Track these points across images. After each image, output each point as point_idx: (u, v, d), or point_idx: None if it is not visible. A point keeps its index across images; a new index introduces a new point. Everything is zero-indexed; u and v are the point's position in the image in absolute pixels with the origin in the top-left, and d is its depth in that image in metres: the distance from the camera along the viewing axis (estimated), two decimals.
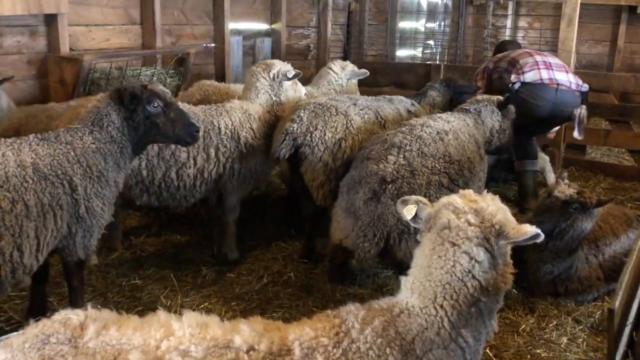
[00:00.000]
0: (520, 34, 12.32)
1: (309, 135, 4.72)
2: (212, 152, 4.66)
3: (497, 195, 2.45)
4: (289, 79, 5.11)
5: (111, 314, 2.14)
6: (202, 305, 4.28)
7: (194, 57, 6.95)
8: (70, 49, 6.05)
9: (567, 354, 3.87)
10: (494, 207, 2.30)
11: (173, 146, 4.47)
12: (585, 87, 5.89)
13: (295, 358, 2.06)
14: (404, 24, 12.05)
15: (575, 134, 5.94)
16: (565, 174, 4.61)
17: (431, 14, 12.69)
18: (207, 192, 4.89)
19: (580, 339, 4.01)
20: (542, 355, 3.84)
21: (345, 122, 4.83)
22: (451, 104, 6.09)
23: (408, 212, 2.44)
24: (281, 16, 8.94)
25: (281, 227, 5.71)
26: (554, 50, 7.83)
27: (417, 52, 12.16)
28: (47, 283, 3.96)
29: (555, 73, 5.74)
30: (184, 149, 4.50)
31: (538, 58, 5.87)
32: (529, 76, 5.73)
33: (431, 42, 12.33)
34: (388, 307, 2.26)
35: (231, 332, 2.08)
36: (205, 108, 4.82)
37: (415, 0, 12.43)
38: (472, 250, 2.22)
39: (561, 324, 4.19)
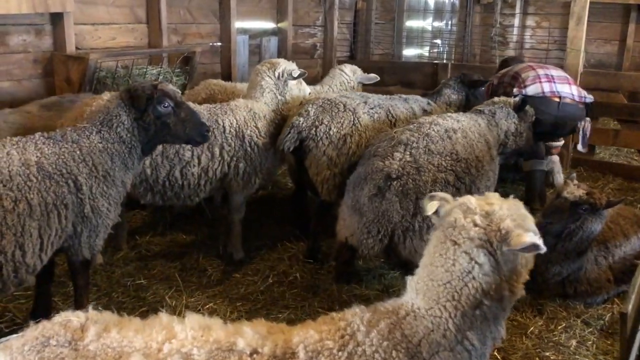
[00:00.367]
0: (528, 33, 12.23)
1: (314, 129, 4.76)
2: (217, 150, 4.64)
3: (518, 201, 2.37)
4: (294, 78, 5.09)
5: (112, 315, 2.11)
6: (207, 306, 4.25)
7: (200, 56, 6.95)
8: (76, 48, 6.05)
9: (577, 356, 3.81)
10: (508, 212, 2.22)
11: (177, 145, 4.45)
12: (589, 99, 5.81)
13: None
14: (411, 23, 12.00)
15: (580, 146, 5.95)
16: (574, 175, 4.55)
17: (438, 12, 12.62)
18: (212, 191, 4.87)
19: (590, 342, 3.96)
20: (551, 358, 3.79)
21: (352, 119, 4.85)
22: (467, 100, 6.06)
23: (431, 208, 2.40)
24: (287, 15, 8.91)
25: (287, 227, 5.68)
26: (562, 49, 7.76)
27: (424, 51, 12.10)
28: (52, 283, 3.95)
29: (558, 86, 5.68)
30: (188, 147, 4.48)
31: (540, 72, 5.81)
32: (531, 90, 5.67)
33: (438, 41, 12.26)
34: (394, 309, 2.22)
35: (234, 335, 2.05)
36: (210, 107, 4.80)
37: None
38: (472, 250, 2.17)
39: (570, 326, 4.14)
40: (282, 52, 8.91)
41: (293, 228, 5.60)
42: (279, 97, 5.06)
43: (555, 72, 5.89)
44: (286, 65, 5.10)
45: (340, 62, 7.85)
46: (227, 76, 7.74)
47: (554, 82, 5.69)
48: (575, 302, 4.40)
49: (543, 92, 5.61)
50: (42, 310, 3.76)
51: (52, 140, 3.44)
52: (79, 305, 3.68)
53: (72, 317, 2.02)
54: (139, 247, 5.19)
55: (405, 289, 2.33)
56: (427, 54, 12.03)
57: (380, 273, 4.85)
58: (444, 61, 11.05)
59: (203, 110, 4.66)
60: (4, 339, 2.04)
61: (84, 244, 3.55)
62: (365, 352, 2.08)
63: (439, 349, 2.16)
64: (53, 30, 5.90)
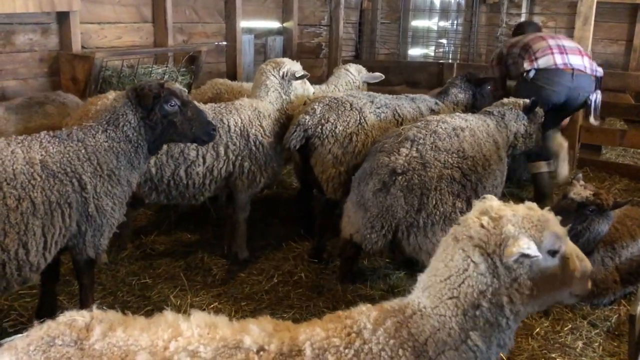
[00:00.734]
0: None
1: (320, 127, 4.77)
2: (222, 150, 4.63)
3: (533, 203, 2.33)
4: (297, 79, 5.09)
5: (117, 314, 2.10)
6: (212, 305, 4.25)
7: (205, 55, 6.95)
8: (82, 47, 6.06)
9: (583, 358, 3.79)
10: (521, 218, 2.19)
11: (182, 144, 4.45)
12: (599, 72, 5.76)
13: (306, 359, 2.02)
14: (417, 23, 11.97)
15: (592, 119, 5.85)
16: (580, 175, 4.52)
17: (444, 12, 12.60)
18: (217, 191, 4.87)
19: (596, 344, 3.94)
20: (557, 359, 3.77)
21: (358, 118, 4.85)
22: (474, 99, 6.03)
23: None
24: (293, 14, 8.91)
25: (292, 227, 5.67)
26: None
27: (430, 50, 12.07)
28: (58, 282, 3.95)
29: (570, 57, 5.61)
30: (193, 146, 4.48)
31: (551, 42, 5.72)
32: (543, 62, 5.62)
33: (444, 41, 12.24)
34: (400, 308, 2.21)
35: (241, 333, 2.05)
36: (215, 106, 4.79)
37: None
38: (468, 248, 2.16)
39: (576, 327, 4.12)
40: (287, 52, 8.91)
41: (298, 227, 5.59)
42: (284, 97, 5.07)
43: (567, 43, 5.78)
44: (290, 65, 5.10)
45: (345, 62, 7.83)
46: (232, 75, 7.74)
47: (566, 54, 5.63)
48: (581, 303, 4.37)
49: (555, 64, 5.56)
50: (47, 309, 3.76)
51: (57, 139, 3.44)
52: (84, 304, 3.67)
53: (77, 317, 2.02)
54: (144, 246, 5.19)
55: (411, 289, 2.32)
56: (432, 54, 12.00)
57: (385, 273, 4.84)
58: (450, 61, 11.02)
59: (208, 110, 4.66)
60: (8, 339, 2.04)
61: (89, 243, 3.55)
62: (371, 350, 2.07)
63: (445, 348, 2.15)
64: (59, 29, 5.92)
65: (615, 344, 3.93)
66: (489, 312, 2.16)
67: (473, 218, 2.21)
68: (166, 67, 6.57)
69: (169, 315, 2.11)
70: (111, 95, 4.51)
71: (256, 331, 2.06)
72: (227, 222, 5.21)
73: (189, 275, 4.71)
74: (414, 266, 4.71)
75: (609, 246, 4.44)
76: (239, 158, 4.73)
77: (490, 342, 2.21)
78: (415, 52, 11.81)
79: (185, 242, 5.40)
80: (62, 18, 5.85)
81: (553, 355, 3.80)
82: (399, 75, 8.49)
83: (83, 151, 3.45)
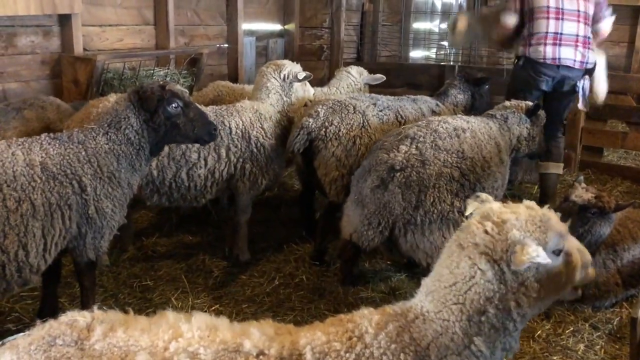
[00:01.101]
0: None
1: (324, 130, 4.78)
2: (223, 152, 4.64)
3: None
4: (299, 81, 5.09)
5: (118, 314, 2.10)
6: (213, 308, 4.25)
7: (207, 57, 6.96)
8: (84, 49, 6.07)
9: None
10: (524, 222, 2.17)
11: (183, 146, 4.46)
12: (590, 64, 5.77)
13: None
14: (418, 25, 11.98)
15: (580, 105, 5.89)
16: (582, 177, 4.52)
17: (445, 14, 12.59)
18: (219, 193, 4.87)
19: (598, 346, 3.92)
20: None
21: (361, 121, 4.87)
22: (473, 99, 6.04)
23: (470, 208, 2.36)
24: (294, 17, 8.92)
25: (293, 229, 5.67)
26: None
27: (431, 52, 12.05)
28: (59, 284, 3.95)
29: (562, 50, 5.64)
30: (195, 149, 4.49)
31: (551, 29, 5.62)
32: (533, 51, 5.69)
33: (445, 43, 12.23)
34: (402, 312, 2.20)
35: (241, 336, 2.04)
36: (216, 108, 4.80)
37: (429, 0, 12.34)
38: (474, 256, 2.14)
39: (578, 330, 4.11)
40: (289, 54, 8.91)
41: (299, 229, 5.59)
42: (285, 99, 5.07)
43: (567, 30, 5.67)
44: (291, 67, 5.10)
45: (347, 64, 7.84)
46: (234, 78, 7.74)
47: (559, 45, 5.64)
48: (583, 306, 4.37)
49: (544, 59, 5.64)
50: (48, 311, 3.76)
51: (57, 141, 3.44)
52: (86, 306, 3.66)
53: (78, 317, 2.02)
54: (145, 248, 5.19)
55: (412, 291, 2.31)
56: (433, 56, 11.99)
57: (386, 275, 4.83)
58: (451, 63, 11.01)
59: (209, 112, 4.66)
60: (10, 337, 2.05)
61: (89, 245, 3.54)
62: (373, 355, 2.06)
63: (447, 353, 2.13)
64: (61, 31, 5.92)
65: (617, 346, 3.92)
66: (494, 318, 2.15)
67: (476, 224, 2.19)
68: (168, 69, 6.58)
69: (170, 315, 2.11)
70: (112, 97, 4.52)
71: (257, 335, 2.05)
72: (229, 224, 5.21)
73: (190, 278, 4.71)
74: (415, 268, 4.70)
75: (611, 249, 4.43)
76: (241, 160, 4.73)
77: (495, 347, 2.20)
78: (416, 54, 11.80)
79: (187, 244, 5.40)
80: (64, 20, 5.86)
81: (555, 357, 3.79)
82: (400, 78, 8.49)
83: (83, 153, 3.45)
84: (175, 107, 3.65)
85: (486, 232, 2.15)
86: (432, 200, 4.05)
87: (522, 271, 2.12)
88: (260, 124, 4.83)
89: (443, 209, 4.05)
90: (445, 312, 2.15)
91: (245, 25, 8.02)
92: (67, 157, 3.38)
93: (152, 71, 6.33)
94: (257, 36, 8.53)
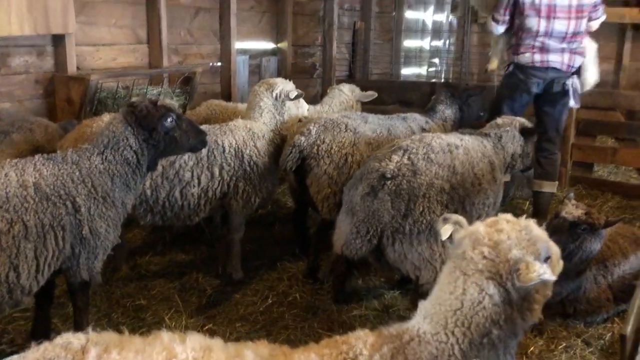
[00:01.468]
0: None
1: (316, 147, 4.82)
2: (216, 171, 4.66)
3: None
4: (292, 99, 5.12)
5: (113, 336, 2.10)
6: (207, 327, 4.24)
7: (200, 76, 6.99)
8: (77, 68, 6.09)
9: None
10: (516, 240, 2.21)
11: (177, 165, 4.48)
12: (573, 67, 5.91)
13: None
14: (409, 43, 12.09)
15: (572, 102, 5.99)
16: (572, 194, 4.56)
17: (436, 32, 12.73)
18: (212, 211, 4.88)
19: None
20: None
21: (353, 139, 4.91)
22: (461, 112, 6.11)
23: (445, 232, 2.38)
24: (287, 35, 9.00)
25: (286, 247, 5.68)
26: None
27: (422, 70, 12.18)
28: (52, 304, 3.93)
29: (550, 55, 5.79)
30: (188, 168, 4.52)
31: (539, 38, 5.74)
32: (522, 59, 5.85)
33: (436, 61, 12.36)
34: (398, 334, 2.21)
35: (235, 358, 2.05)
36: (209, 127, 4.82)
37: (420, 19, 12.48)
38: (482, 282, 2.17)
39: (571, 346, 4.12)
40: (282, 72, 8.98)
41: (292, 247, 5.60)
42: (278, 117, 5.10)
43: (557, 31, 5.72)
44: (283, 86, 5.13)
45: (339, 81, 7.89)
46: (227, 96, 7.78)
47: (547, 52, 5.79)
48: (575, 322, 4.39)
49: (533, 63, 5.80)
50: (41, 331, 3.73)
51: (51, 162, 3.44)
52: (79, 326, 3.65)
53: (72, 339, 2.02)
54: (139, 267, 5.18)
55: (406, 309, 2.33)
56: (425, 73, 12.11)
57: (380, 293, 4.84)
58: (442, 80, 11.12)
59: None
60: (7, 359, 2.04)
61: (83, 265, 3.53)
62: None
63: None
64: (54, 51, 5.96)
65: None
66: (497, 339, 2.18)
67: (473, 251, 2.22)
68: (161, 88, 6.61)
69: (164, 336, 2.11)
70: (106, 117, 4.53)
71: (251, 356, 2.06)
72: (222, 243, 5.21)
73: (183, 297, 4.70)
74: (408, 285, 4.71)
75: (602, 264, 4.46)
76: (234, 179, 4.75)
77: None
78: (407, 71, 11.91)
79: (180, 262, 5.39)
80: (58, 40, 5.90)
81: None
82: (392, 95, 8.56)
83: (77, 173, 3.45)
84: (171, 122, 3.68)
85: (485, 257, 2.18)
86: (421, 209, 4.03)
87: (526, 289, 2.17)
88: (254, 142, 4.86)
89: (432, 219, 4.02)
90: (444, 334, 2.17)
91: (238, 44, 8.08)
92: (61, 178, 3.38)
93: (145, 90, 6.36)
94: (250, 54, 8.60)
